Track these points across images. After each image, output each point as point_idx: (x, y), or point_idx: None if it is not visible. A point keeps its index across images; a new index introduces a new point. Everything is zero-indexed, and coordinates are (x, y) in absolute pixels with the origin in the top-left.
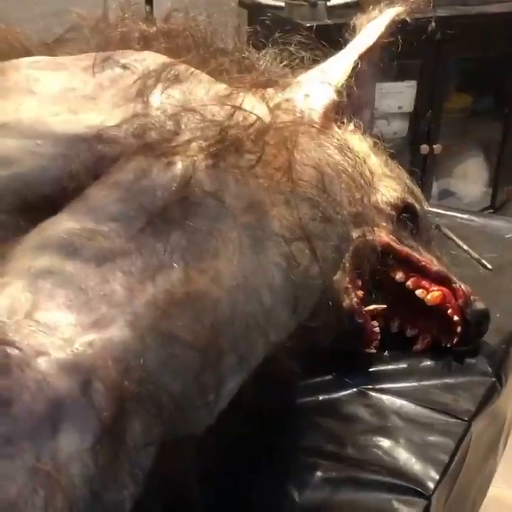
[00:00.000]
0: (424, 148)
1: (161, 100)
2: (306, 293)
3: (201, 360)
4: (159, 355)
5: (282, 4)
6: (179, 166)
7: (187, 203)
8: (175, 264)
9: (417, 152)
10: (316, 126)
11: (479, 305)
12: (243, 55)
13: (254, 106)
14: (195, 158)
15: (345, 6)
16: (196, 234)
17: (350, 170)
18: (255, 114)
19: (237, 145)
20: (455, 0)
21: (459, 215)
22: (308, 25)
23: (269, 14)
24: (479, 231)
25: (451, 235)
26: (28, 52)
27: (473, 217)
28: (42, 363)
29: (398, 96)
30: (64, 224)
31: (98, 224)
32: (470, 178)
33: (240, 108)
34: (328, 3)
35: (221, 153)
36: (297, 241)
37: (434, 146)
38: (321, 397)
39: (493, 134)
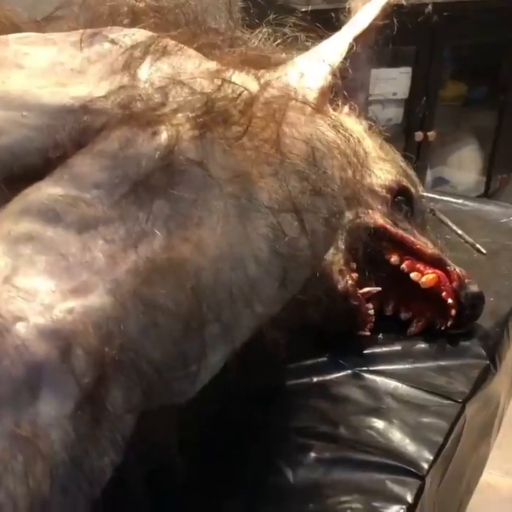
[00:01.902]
0: (419, 135)
1: (149, 73)
2: (294, 265)
3: (183, 328)
4: (140, 322)
5: None
6: (164, 135)
7: (171, 170)
8: (157, 232)
9: (411, 139)
10: (309, 103)
11: (473, 288)
12: (235, 34)
13: (244, 81)
14: (180, 127)
15: None
16: (180, 202)
17: (343, 147)
18: (243, 87)
19: (224, 116)
20: None
21: (453, 200)
22: (303, 9)
23: None
24: (473, 216)
25: (445, 219)
26: (17, 30)
27: (467, 202)
28: (21, 328)
29: (393, 82)
30: (46, 190)
31: (81, 191)
32: (464, 166)
33: (228, 81)
34: None
35: (207, 124)
36: (285, 213)
37: (429, 133)
38: (315, 379)
39: (487, 122)
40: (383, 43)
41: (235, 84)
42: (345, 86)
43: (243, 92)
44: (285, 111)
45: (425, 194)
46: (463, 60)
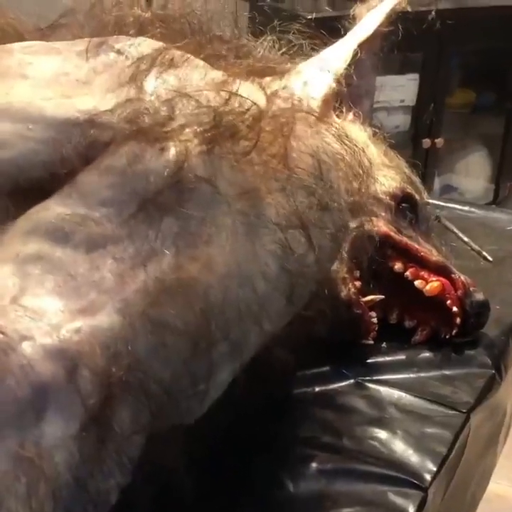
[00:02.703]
0: (426, 142)
1: (156, 85)
2: (301, 281)
3: (192, 347)
4: (149, 342)
5: None
6: (173, 151)
7: (180, 188)
8: (166, 251)
9: (419, 146)
10: (314, 114)
11: (479, 296)
12: (241, 42)
13: (250, 93)
14: (189, 143)
15: None
16: (189, 220)
17: (348, 158)
18: (251, 101)
19: (232, 131)
20: None
21: (459, 207)
22: (309, 16)
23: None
24: (479, 223)
25: (451, 226)
26: (21, 38)
27: (473, 210)
28: (27, 347)
29: (400, 89)
30: (54, 209)
31: (89, 209)
32: (472, 173)
33: (235, 94)
34: None
35: (216, 138)
36: (293, 229)
37: (436, 140)
38: (317, 389)
39: (496, 129)
40: (390, 50)
41: (242, 97)
42: (350, 93)
43: (251, 106)
44: (293, 124)
45: (431, 201)
46: (471, 68)
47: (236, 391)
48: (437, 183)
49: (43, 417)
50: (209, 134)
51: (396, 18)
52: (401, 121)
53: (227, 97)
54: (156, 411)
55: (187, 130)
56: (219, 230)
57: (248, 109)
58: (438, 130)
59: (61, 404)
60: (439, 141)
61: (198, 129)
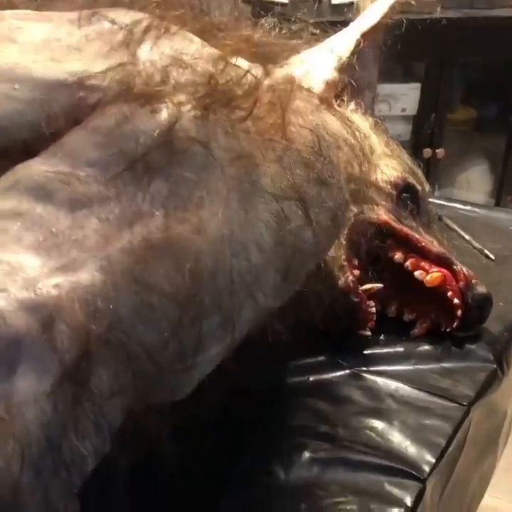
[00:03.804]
0: (427, 152)
1: (150, 53)
2: (297, 257)
3: (179, 312)
4: (132, 302)
5: (286, 1)
6: (164, 113)
7: (171, 149)
8: (155, 213)
9: (419, 156)
10: (315, 94)
11: (481, 288)
12: (240, 27)
13: (248, 66)
14: (182, 106)
15: (349, 4)
16: (180, 183)
17: (349, 139)
18: (248, 71)
19: (227, 98)
20: (462, 3)
21: (461, 206)
22: (311, 21)
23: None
24: (482, 223)
25: (453, 225)
26: (14, 8)
27: (475, 209)
28: (0, 300)
29: (402, 98)
30: (38, 167)
31: (75, 168)
32: (473, 187)
33: (232, 64)
34: (332, 2)
35: (210, 105)
36: (289, 201)
37: (437, 151)
38: (312, 378)
39: (498, 145)
40: (392, 58)
41: (239, 67)
42: (352, 85)
43: (247, 74)
44: (291, 98)
45: (433, 200)
46: (473, 80)
47: (226, 373)
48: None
49: (15, 371)
50: (203, 100)
51: (399, 24)
52: (402, 130)
53: (223, 66)
54: (140, 376)
55: (180, 94)
56: (211, 195)
57: (244, 76)
58: (439, 140)
59: (35, 359)
60: (440, 152)
61: (193, 94)
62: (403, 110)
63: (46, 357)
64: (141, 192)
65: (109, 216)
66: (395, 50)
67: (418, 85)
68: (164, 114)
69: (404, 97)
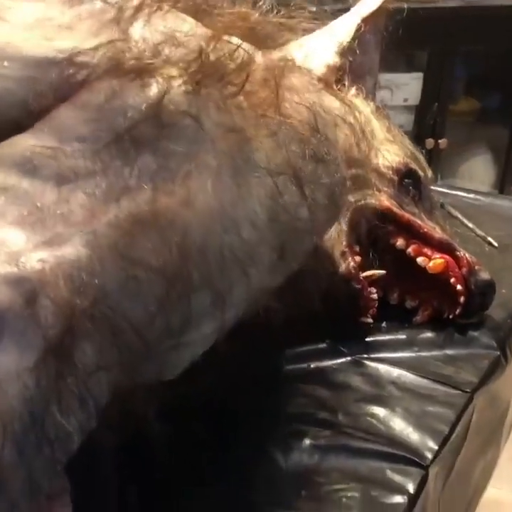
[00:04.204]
0: (430, 142)
1: (142, 31)
2: (293, 236)
3: (166, 287)
4: (119, 277)
5: None
6: (154, 87)
7: (160, 123)
8: (142, 187)
9: (422, 147)
10: (313, 74)
11: (484, 275)
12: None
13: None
14: (172, 81)
15: None
16: (168, 156)
17: (348, 118)
18: (241, 47)
19: (219, 73)
20: None
21: (464, 194)
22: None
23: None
24: (484, 210)
25: (455, 212)
26: None
27: (478, 197)
28: None
29: (404, 88)
30: (24, 142)
31: (62, 143)
32: (476, 178)
33: (225, 41)
34: None
35: (202, 80)
36: (284, 177)
37: (440, 141)
38: (312, 365)
39: (501, 136)
40: (394, 47)
41: (232, 43)
42: (354, 70)
43: (239, 49)
44: (286, 75)
45: (435, 188)
46: (475, 75)
47: (224, 358)
48: None
49: None
50: (195, 74)
51: (400, 10)
52: (404, 120)
53: (215, 42)
54: (127, 352)
55: (172, 68)
56: (200, 168)
57: (237, 49)
58: (441, 130)
59: (17, 334)
60: (443, 142)
61: (184, 69)
62: (405, 100)
63: (29, 331)
64: (129, 166)
65: (96, 191)
66: (397, 38)
67: (420, 75)
68: (154, 88)
69: (406, 86)
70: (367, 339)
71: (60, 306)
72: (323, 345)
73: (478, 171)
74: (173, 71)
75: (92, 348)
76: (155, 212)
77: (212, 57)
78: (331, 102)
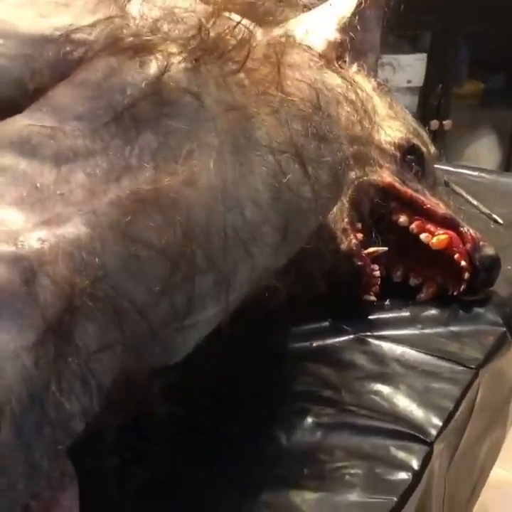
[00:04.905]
0: (434, 123)
1: (140, 7)
2: (297, 217)
3: (170, 267)
4: (121, 256)
5: None
6: (153, 64)
7: (160, 100)
8: (143, 166)
9: (427, 128)
10: (315, 52)
11: (489, 250)
12: None
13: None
14: (172, 58)
15: None
16: (169, 135)
17: (350, 95)
18: (240, 22)
19: (219, 50)
20: None
21: (469, 172)
22: None
23: None
24: (490, 188)
25: (460, 190)
26: None
27: (483, 175)
28: None
29: (407, 69)
30: (22, 122)
31: (60, 123)
32: (481, 160)
33: (225, 16)
34: None
35: (202, 57)
36: (286, 156)
37: (445, 122)
38: (315, 344)
39: (505, 116)
40: (397, 28)
41: (232, 19)
42: (355, 48)
43: (240, 25)
44: (287, 52)
45: (440, 167)
46: (479, 57)
47: (226, 338)
48: None
49: None
50: (195, 51)
51: None
52: (408, 102)
53: (215, 18)
54: (131, 333)
55: (170, 45)
56: (202, 146)
57: (237, 25)
58: (446, 112)
59: (15, 313)
60: (448, 123)
61: (184, 46)
62: (409, 81)
63: (27, 311)
64: (129, 145)
65: (96, 170)
66: (400, 18)
67: (424, 56)
68: (153, 65)
69: (410, 67)
70: (370, 317)
71: (59, 284)
72: (326, 324)
73: (483, 152)
74: (173, 48)
75: (94, 328)
76: (157, 192)
77: (212, 33)
78: (332, 79)
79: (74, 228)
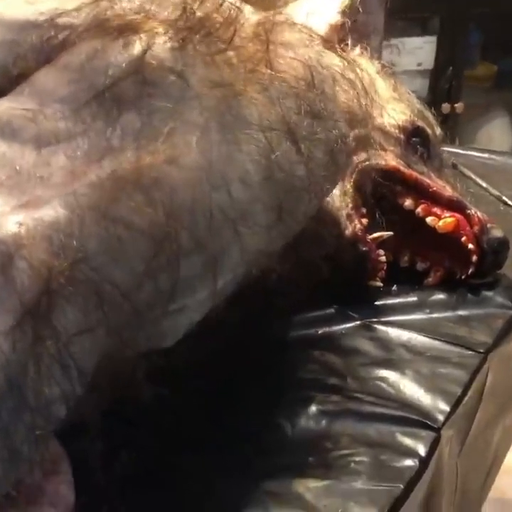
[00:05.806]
0: (446, 107)
1: None
2: (291, 196)
3: (154, 249)
4: (102, 238)
5: None
6: (137, 44)
7: (143, 79)
8: (125, 146)
9: (438, 112)
10: (309, 29)
11: (496, 232)
12: None
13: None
14: (156, 38)
15: None
16: (152, 114)
17: (348, 73)
18: (227, 0)
19: (207, 28)
20: None
21: (478, 154)
22: None
23: None
24: (499, 170)
25: (468, 172)
26: None
27: (492, 157)
28: None
29: (417, 52)
30: (4, 105)
31: (42, 105)
32: (495, 142)
33: None
34: None
35: (188, 36)
36: (278, 133)
37: (456, 105)
38: (320, 331)
39: None
40: (406, 10)
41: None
42: (358, 30)
43: (226, 2)
44: (278, 30)
45: (449, 149)
46: (490, 38)
47: (228, 325)
48: None
49: None
50: (181, 30)
51: None
52: (418, 85)
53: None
54: (114, 316)
55: (156, 25)
56: (185, 125)
57: (222, 5)
58: (457, 94)
59: None
60: (459, 106)
61: (168, 25)
62: (419, 64)
63: (4, 295)
64: (111, 126)
65: (77, 152)
66: (409, 2)
67: (433, 38)
68: (136, 45)
69: (420, 50)
70: (376, 303)
71: (36, 268)
72: (331, 310)
73: (496, 135)
74: (158, 28)
75: (74, 311)
76: (138, 171)
77: (199, 12)
78: (330, 59)
79: (52, 211)
